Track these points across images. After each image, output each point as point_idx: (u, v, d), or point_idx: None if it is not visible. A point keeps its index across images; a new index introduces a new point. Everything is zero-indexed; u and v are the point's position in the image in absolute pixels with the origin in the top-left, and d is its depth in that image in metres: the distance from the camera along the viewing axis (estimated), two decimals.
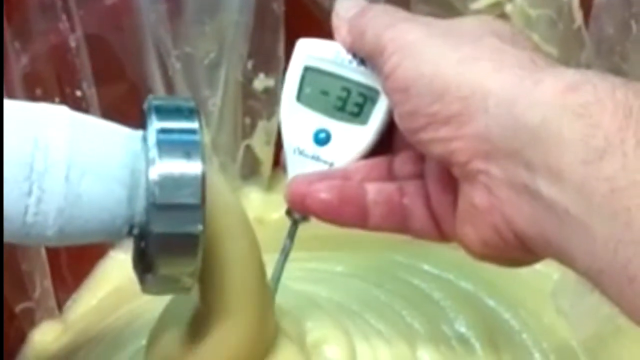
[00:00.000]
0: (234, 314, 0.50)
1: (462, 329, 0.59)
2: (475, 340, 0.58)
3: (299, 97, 0.52)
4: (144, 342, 0.59)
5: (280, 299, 0.55)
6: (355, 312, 0.59)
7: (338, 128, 0.52)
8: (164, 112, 0.45)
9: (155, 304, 0.61)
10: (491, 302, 0.62)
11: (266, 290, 0.52)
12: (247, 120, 0.74)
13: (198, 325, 0.51)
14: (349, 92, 0.51)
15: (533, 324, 0.60)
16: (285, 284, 0.55)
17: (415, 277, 0.63)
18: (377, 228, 0.51)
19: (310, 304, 0.58)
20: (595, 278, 0.40)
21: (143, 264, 0.46)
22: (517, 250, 0.44)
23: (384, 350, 0.56)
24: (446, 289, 0.62)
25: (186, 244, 0.44)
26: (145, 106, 0.46)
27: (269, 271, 0.53)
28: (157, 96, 0.46)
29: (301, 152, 0.52)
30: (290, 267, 0.54)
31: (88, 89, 0.66)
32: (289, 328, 0.54)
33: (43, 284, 0.66)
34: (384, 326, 0.58)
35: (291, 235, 0.53)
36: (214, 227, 0.46)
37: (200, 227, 0.44)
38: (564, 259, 0.42)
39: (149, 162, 0.44)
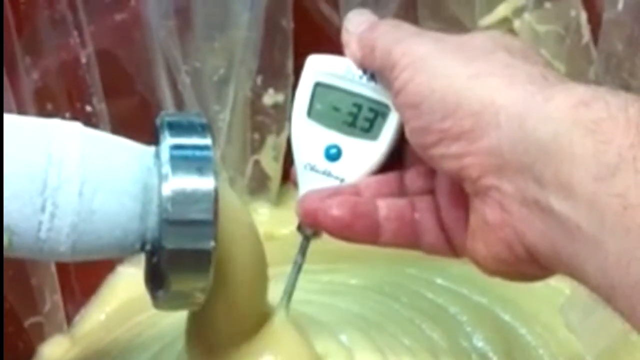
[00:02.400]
0: (239, 328, 0.50)
1: (480, 344, 0.59)
2: (493, 355, 0.58)
3: (309, 113, 0.52)
4: (150, 355, 0.60)
5: (306, 310, 0.55)
6: (379, 325, 0.58)
7: (349, 144, 0.52)
8: (176, 128, 0.45)
9: (161, 317, 0.61)
10: (506, 317, 0.62)
11: (266, 308, 0.52)
12: (256, 136, 0.75)
13: (201, 342, 0.51)
14: (359, 107, 0.51)
15: (549, 339, 0.60)
16: (304, 296, 0.54)
17: (429, 290, 0.63)
18: (389, 244, 0.51)
19: (337, 317, 0.59)
20: (607, 294, 0.39)
21: (155, 280, 0.46)
22: (528, 265, 0.44)
23: None
24: (461, 303, 0.62)
25: (198, 260, 0.44)
26: (157, 122, 0.46)
27: (281, 286, 0.53)
28: (170, 112, 0.46)
29: (312, 168, 0.52)
30: (305, 279, 0.54)
31: (98, 104, 0.66)
32: (320, 339, 0.55)
33: (52, 298, 0.66)
34: (408, 340, 0.57)
35: (303, 250, 0.53)
36: (224, 242, 0.46)
37: (212, 243, 0.44)
38: (575, 274, 0.41)
39: (161, 178, 0.44)
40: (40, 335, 0.67)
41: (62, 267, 0.66)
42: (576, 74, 0.64)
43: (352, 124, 0.52)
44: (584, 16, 0.65)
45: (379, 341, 0.56)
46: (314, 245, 0.53)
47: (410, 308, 0.61)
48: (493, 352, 0.58)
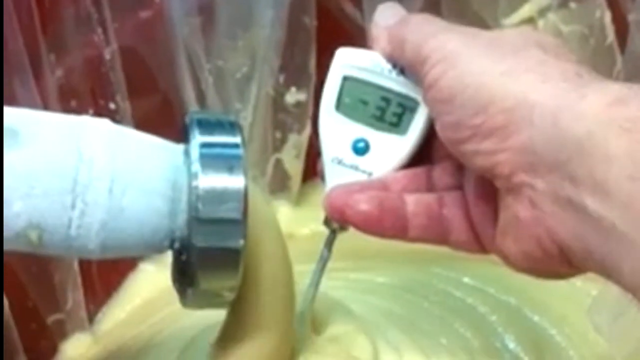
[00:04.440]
0: (264, 328, 0.50)
1: (511, 344, 0.58)
2: (524, 355, 0.58)
3: (337, 107, 0.52)
4: (172, 353, 0.60)
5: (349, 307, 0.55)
6: (415, 324, 0.58)
7: (377, 138, 0.51)
8: (206, 126, 0.45)
9: (182, 315, 0.61)
10: (535, 318, 0.61)
11: (293, 305, 0.52)
12: (278, 134, 0.74)
13: (227, 339, 0.51)
14: (388, 101, 0.51)
15: (579, 340, 0.59)
16: (339, 293, 0.54)
17: (456, 289, 0.63)
18: (417, 239, 0.50)
19: (376, 315, 0.58)
20: None
21: (183, 278, 0.46)
22: (559, 263, 0.44)
23: None
24: (490, 302, 0.62)
25: (228, 259, 0.44)
26: (187, 120, 0.46)
27: (304, 284, 0.53)
28: (199, 110, 0.46)
29: (340, 162, 0.52)
30: (333, 277, 0.53)
31: (121, 102, 0.66)
32: (367, 337, 0.54)
33: (75, 296, 0.66)
34: (445, 339, 0.57)
35: (329, 244, 0.52)
36: (250, 241, 0.46)
37: (242, 242, 0.44)
38: (608, 274, 0.41)
39: (191, 176, 0.44)
40: (62, 332, 0.67)
41: (84, 266, 0.66)
42: (600, 74, 0.64)
43: (380, 118, 0.51)
44: (608, 16, 0.65)
45: (420, 341, 0.56)
46: (337, 242, 0.53)
47: (441, 307, 0.61)
48: (524, 352, 0.58)
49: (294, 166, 0.76)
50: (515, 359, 0.58)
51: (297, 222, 0.75)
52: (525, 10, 0.67)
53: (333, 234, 0.52)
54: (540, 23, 0.67)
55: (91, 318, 0.69)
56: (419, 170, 0.52)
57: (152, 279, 0.72)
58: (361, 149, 0.51)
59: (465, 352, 0.57)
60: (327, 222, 0.52)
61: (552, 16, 0.67)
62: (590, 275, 0.43)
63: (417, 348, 0.56)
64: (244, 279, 0.46)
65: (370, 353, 0.54)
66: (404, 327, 0.57)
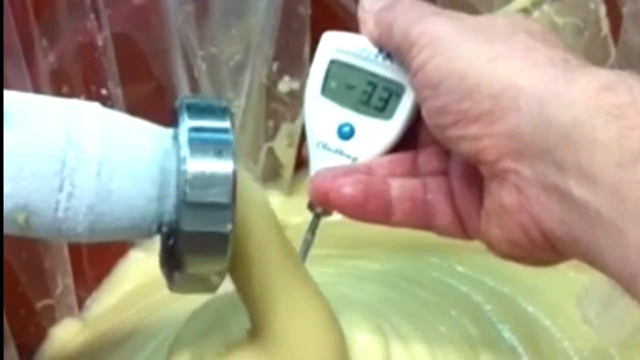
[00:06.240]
0: (281, 315, 0.49)
1: (506, 334, 0.58)
2: (518, 345, 0.58)
3: (323, 91, 0.52)
4: (161, 339, 0.60)
5: (346, 292, 0.55)
6: (414, 312, 0.58)
7: (362, 122, 0.51)
8: (195, 111, 0.45)
9: (171, 301, 0.61)
10: (529, 308, 0.61)
11: (309, 280, 0.51)
12: (270, 123, 0.74)
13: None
14: (374, 86, 0.51)
15: (573, 331, 0.59)
16: (335, 279, 0.53)
17: (451, 278, 0.63)
18: (401, 224, 0.50)
19: (376, 301, 0.58)
20: (627, 283, 0.39)
21: (171, 263, 0.46)
22: (544, 250, 0.44)
23: (453, 353, 0.55)
24: (484, 292, 0.62)
25: (215, 243, 0.44)
26: (177, 104, 0.46)
27: None
28: (190, 95, 0.46)
29: (325, 146, 0.52)
30: (328, 263, 0.53)
31: (114, 88, 0.66)
32: (370, 322, 0.54)
33: (64, 281, 0.66)
34: (444, 327, 0.57)
35: (312, 229, 0.52)
36: (243, 226, 0.46)
37: (229, 227, 0.44)
38: (594, 261, 0.41)
39: (180, 160, 0.44)
40: (51, 318, 0.67)
41: (74, 251, 0.66)
42: None
43: (366, 103, 0.51)
44: (602, 9, 0.65)
45: (421, 328, 0.56)
46: (329, 230, 0.53)
47: (437, 295, 0.61)
48: (518, 342, 0.58)
49: (287, 155, 0.76)
50: (510, 348, 0.58)
51: (289, 211, 0.74)
52: (520, 2, 0.67)
53: (317, 218, 0.52)
54: (535, 15, 0.67)
55: (81, 304, 0.70)
56: (404, 155, 0.52)
57: (142, 266, 0.72)
58: (346, 133, 0.51)
59: (465, 341, 0.57)
60: (311, 206, 0.52)
61: (546, 8, 0.67)
62: (584, 265, 0.43)
63: (421, 337, 0.55)
64: (233, 264, 0.46)
65: (382, 354, 0.54)
66: (406, 315, 0.57)
